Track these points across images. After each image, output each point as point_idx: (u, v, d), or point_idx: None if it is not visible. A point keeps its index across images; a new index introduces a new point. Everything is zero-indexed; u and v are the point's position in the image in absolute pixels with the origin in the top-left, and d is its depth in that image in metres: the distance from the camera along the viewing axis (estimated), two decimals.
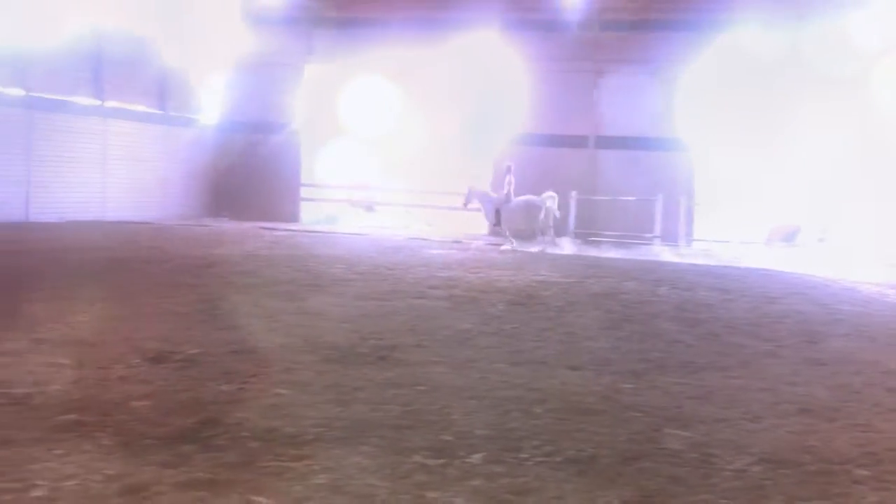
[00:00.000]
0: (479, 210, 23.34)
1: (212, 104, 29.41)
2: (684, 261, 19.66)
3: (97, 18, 24.32)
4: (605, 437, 5.48)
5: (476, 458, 4.97)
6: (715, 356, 8.34)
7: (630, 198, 24.29)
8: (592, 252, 21.09)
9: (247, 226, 24.59)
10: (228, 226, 24.75)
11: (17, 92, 22.36)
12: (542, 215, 21.51)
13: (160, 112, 27.39)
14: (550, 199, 21.66)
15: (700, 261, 19.65)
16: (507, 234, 21.92)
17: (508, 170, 22.67)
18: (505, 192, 22.34)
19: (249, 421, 5.45)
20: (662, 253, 21.57)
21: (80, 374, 6.48)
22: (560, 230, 23.07)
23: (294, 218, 28.15)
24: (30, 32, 21.96)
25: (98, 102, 24.96)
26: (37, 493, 4.18)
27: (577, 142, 25.80)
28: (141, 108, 26.67)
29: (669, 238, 23.42)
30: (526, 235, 21.72)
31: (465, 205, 23.04)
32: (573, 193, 24.06)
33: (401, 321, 9.60)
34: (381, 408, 5.94)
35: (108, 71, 25.04)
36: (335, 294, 11.52)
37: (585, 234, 23.91)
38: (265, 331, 8.56)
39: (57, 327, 8.16)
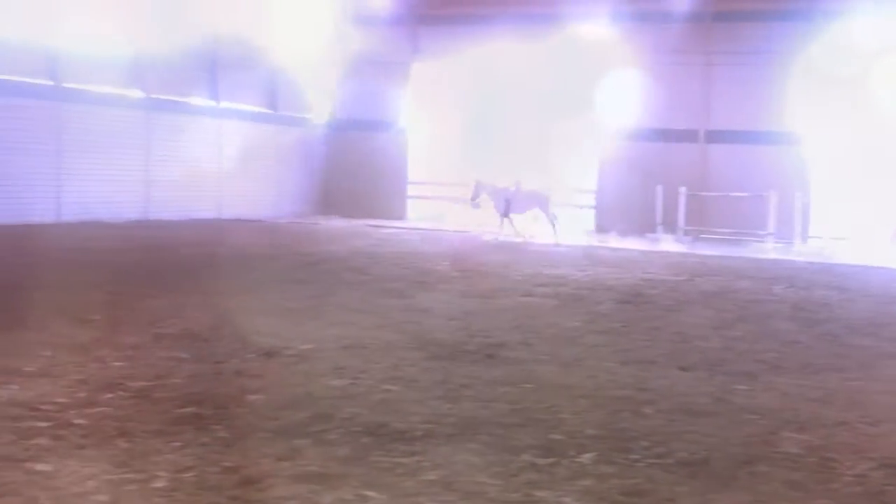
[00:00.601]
0: (477, 202, 23.00)
1: (321, 103, 29.96)
2: (800, 259, 19.04)
3: (211, 22, 25.04)
4: (718, 440, 5.35)
5: (586, 457, 4.92)
6: (833, 357, 8.06)
7: (742, 194, 23.64)
8: (703, 249, 20.63)
9: (355, 223, 24.95)
10: (337, 223, 25.16)
11: (136, 94, 23.24)
12: (549, 207, 22.01)
13: (272, 112, 28.06)
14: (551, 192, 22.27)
15: (817, 259, 18.99)
16: (513, 224, 22.00)
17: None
18: (511, 182, 22.41)
19: (360, 416, 5.53)
20: (776, 251, 20.94)
21: (197, 368, 6.69)
22: (670, 227, 22.67)
23: (401, 215, 28.43)
24: (148, 37, 22.77)
25: (213, 103, 25.74)
26: (158, 483, 4.33)
27: (687, 136, 25.28)
28: (253, 108, 27.38)
29: (784, 235, 22.67)
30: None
31: (473, 199, 22.76)
32: (682, 189, 23.56)
33: (507, 319, 9.59)
34: (490, 405, 5.94)
35: (222, 72, 25.79)
36: (442, 291, 11.59)
37: (695, 230, 23.39)
38: (374, 327, 8.67)
39: (175, 322, 8.45)
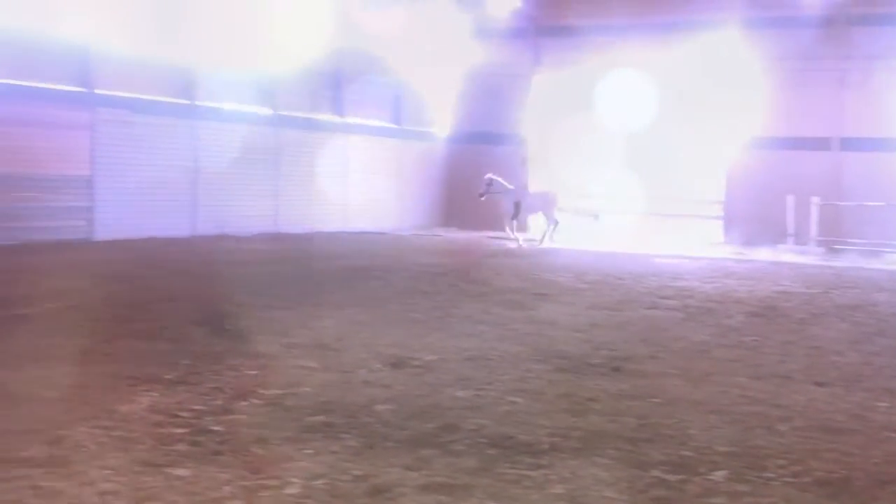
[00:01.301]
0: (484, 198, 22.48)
1: (443, 117, 30.26)
2: None
3: (336, 39, 25.64)
4: (857, 458, 5.13)
5: (718, 475, 4.79)
6: None
7: (879, 203, 22.63)
8: (837, 261, 19.84)
9: (475, 235, 25.05)
10: (458, 235, 25.32)
11: (266, 111, 23.99)
12: (554, 210, 21.80)
13: (395, 126, 28.52)
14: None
15: None
16: (513, 228, 21.71)
17: (524, 161, 22.38)
18: (522, 183, 22.16)
19: (486, 427, 5.54)
20: None
21: (327, 377, 6.84)
22: (801, 237, 21.91)
23: (523, 227, 28.33)
24: (276, 55, 23.49)
25: (338, 118, 26.34)
26: (291, 490, 4.44)
27: (819, 144, 24.40)
28: (377, 122, 27.89)
29: None
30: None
31: (482, 195, 22.15)
32: (815, 199, 22.73)
33: (633, 332, 9.45)
34: (617, 419, 5.86)
35: (347, 88, 26.38)
36: (565, 303, 11.51)
37: (829, 241, 22.51)
38: (497, 339, 8.67)
39: (305, 332, 8.66)
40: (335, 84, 26.22)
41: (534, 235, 22.05)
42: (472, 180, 28.58)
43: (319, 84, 25.58)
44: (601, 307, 11.18)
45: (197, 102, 21.85)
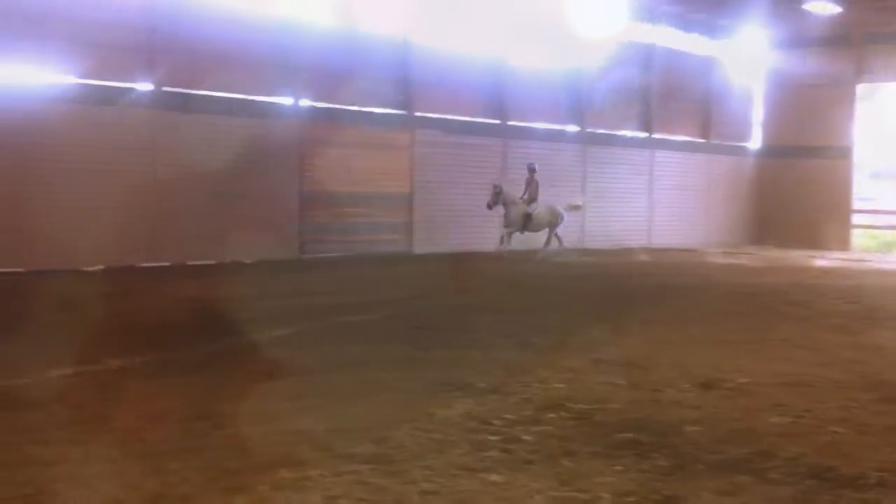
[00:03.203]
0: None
1: (753, 130, 29.09)
2: None
3: (642, 55, 25.50)
4: None
5: None
6: None
7: None
8: None
9: (793, 254, 23.74)
10: (773, 254, 24.12)
11: (572, 128, 24.30)
12: (558, 225, 19.98)
13: (703, 141, 27.77)
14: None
15: None
16: (508, 239, 19.54)
17: (532, 169, 19.86)
18: (528, 194, 19.85)
19: (805, 457, 5.24)
20: None
21: (634, 395, 6.79)
22: None
23: (844, 246, 26.53)
24: (583, 73, 23.76)
25: (645, 134, 26.11)
26: None
27: None
28: (685, 137, 27.30)
29: None
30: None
31: (490, 206, 19.51)
32: None
33: None
34: None
35: (655, 103, 26.08)
36: (894, 329, 10.61)
37: None
38: (817, 364, 8.17)
39: (612, 349, 8.65)
40: (643, 99, 26.03)
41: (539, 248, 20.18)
42: (790, 196, 27.26)
43: (627, 100, 25.52)
44: None
45: (508, 122, 22.57)
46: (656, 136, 26.34)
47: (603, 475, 4.86)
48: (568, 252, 20.24)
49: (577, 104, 24.14)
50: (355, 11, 19.27)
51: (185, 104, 16.86)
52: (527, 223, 19.74)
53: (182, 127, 16.54)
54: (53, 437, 5.48)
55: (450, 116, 21.35)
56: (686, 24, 26.54)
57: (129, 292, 12.69)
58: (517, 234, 19.69)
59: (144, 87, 16.57)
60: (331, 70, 19.00)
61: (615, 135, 25.37)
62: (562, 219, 20.33)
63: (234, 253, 17.16)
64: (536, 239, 20.18)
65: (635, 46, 25.24)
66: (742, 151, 28.92)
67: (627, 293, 13.96)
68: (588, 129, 24.51)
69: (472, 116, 21.97)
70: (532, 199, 19.89)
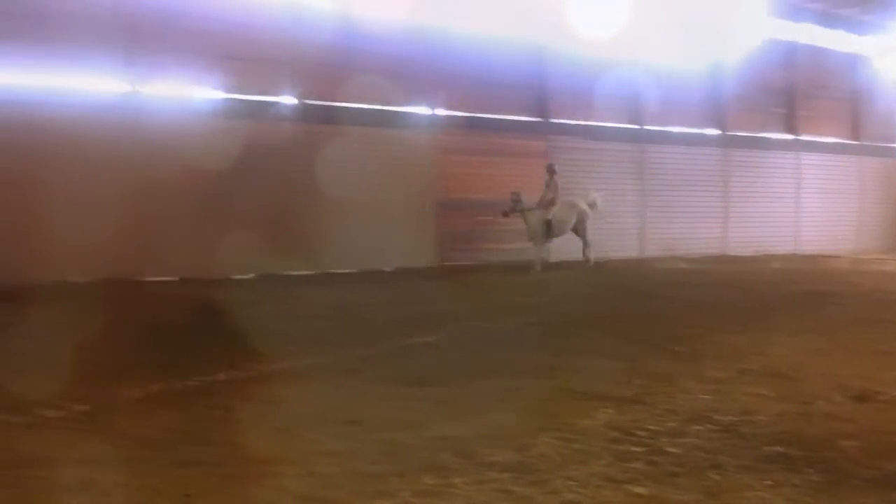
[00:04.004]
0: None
1: None
2: None
3: (786, 55, 24.66)
4: None
5: None
6: None
7: None
8: None
9: None
10: None
11: (713, 131, 23.71)
12: (586, 222, 18.20)
13: (853, 142, 26.61)
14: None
15: None
16: (538, 261, 17.92)
17: (552, 170, 18.30)
18: (549, 197, 18.15)
19: None
20: None
21: (783, 407, 6.59)
22: None
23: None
24: (724, 74, 23.18)
25: (791, 137, 25.22)
26: None
27: None
28: (833, 139, 26.23)
29: None
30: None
31: (506, 214, 17.91)
32: None
33: None
34: None
35: (799, 103, 25.18)
36: None
37: None
38: None
39: (758, 358, 8.42)
40: (787, 101, 25.17)
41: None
42: None
43: (770, 102, 24.74)
44: None
45: (645, 127, 22.25)
46: (802, 137, 25.41)
47: (752, 489, 4.75)
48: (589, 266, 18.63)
49: (718, 106, 23.55)
50: (490, 19, 19.38)
51: (328, 116, 17.36)
52: (548, 230, 18.27)
53: (324, 139, 17.01)
54: (209, 438, 5.76)
55: (585, 122, 21.20)
56: (830, 21, 25.52)
57: (277, 299, 13.12)
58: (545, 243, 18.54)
59: (289, 100, 17.17)
60: (466, 78, 19.21)
61: (758, 137, 24.61)
62: (587, 215, 18.66)
63: (373, 262, 17.51)
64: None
65: (777, 44, 24.43)
66: (894, 153, 27.56)
67: (771, 300, 13.53)
68: (729, 132, 23.88)
69: (607, 122, 21.73)
70: (551, 203, 18.23)
